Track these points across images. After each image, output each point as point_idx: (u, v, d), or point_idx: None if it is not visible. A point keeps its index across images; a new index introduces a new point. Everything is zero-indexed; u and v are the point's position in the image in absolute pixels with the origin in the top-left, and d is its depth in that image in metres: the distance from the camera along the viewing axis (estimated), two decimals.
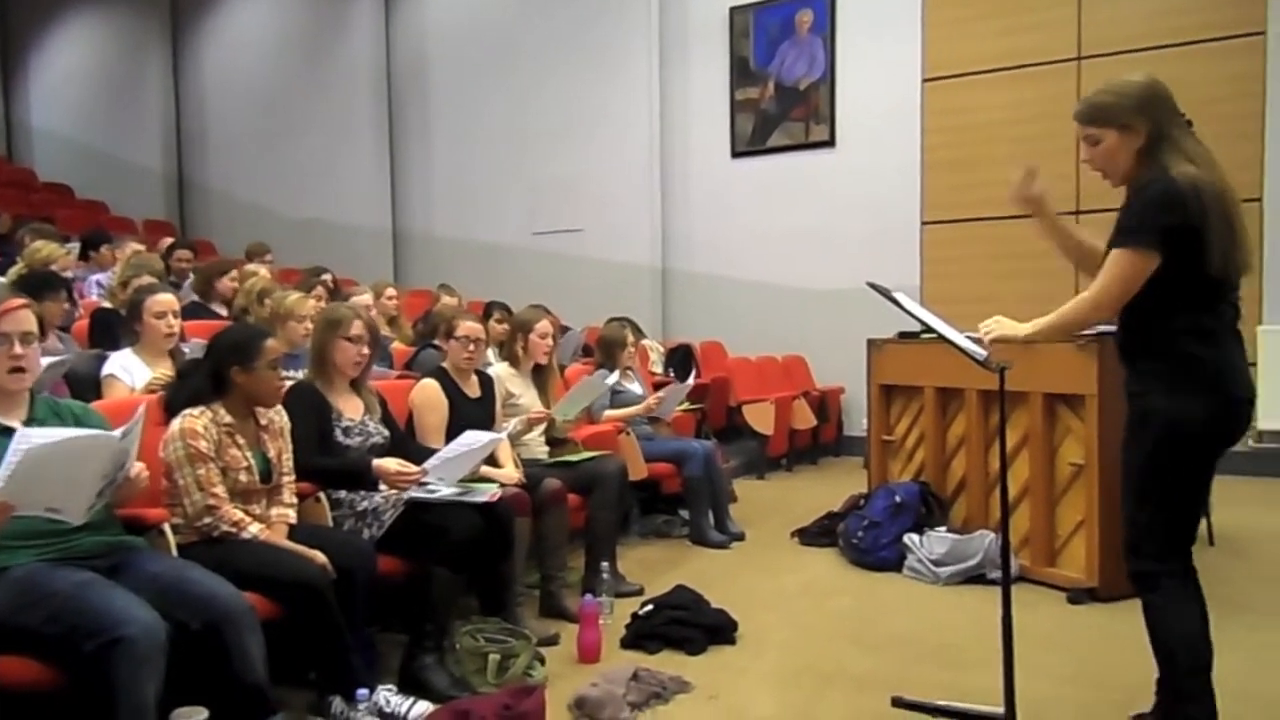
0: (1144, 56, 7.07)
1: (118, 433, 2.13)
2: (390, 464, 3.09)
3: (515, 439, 4.05)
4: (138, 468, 2.27)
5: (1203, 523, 4.65)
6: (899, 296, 2.64)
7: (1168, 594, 2.35)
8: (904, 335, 5.04)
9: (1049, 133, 6.92)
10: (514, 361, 4.34)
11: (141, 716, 2.01)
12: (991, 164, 7.72)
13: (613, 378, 4.86)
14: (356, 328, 3.26)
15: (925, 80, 8.18)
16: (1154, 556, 2.36)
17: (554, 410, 4.27)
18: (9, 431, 2.23)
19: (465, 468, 3.29)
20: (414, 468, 3.11)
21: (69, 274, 5.37)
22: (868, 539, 4.55)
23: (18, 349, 2.25)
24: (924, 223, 8.24)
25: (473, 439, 3.24)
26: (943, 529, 4.45)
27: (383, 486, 3.12)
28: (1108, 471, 3.78)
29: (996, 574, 4.07)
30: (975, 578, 4.20)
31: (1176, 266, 2.25)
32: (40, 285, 4.04)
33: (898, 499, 4.61)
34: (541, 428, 4.28)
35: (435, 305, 6.27)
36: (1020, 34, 7.75)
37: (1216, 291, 2.30)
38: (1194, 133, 2.35)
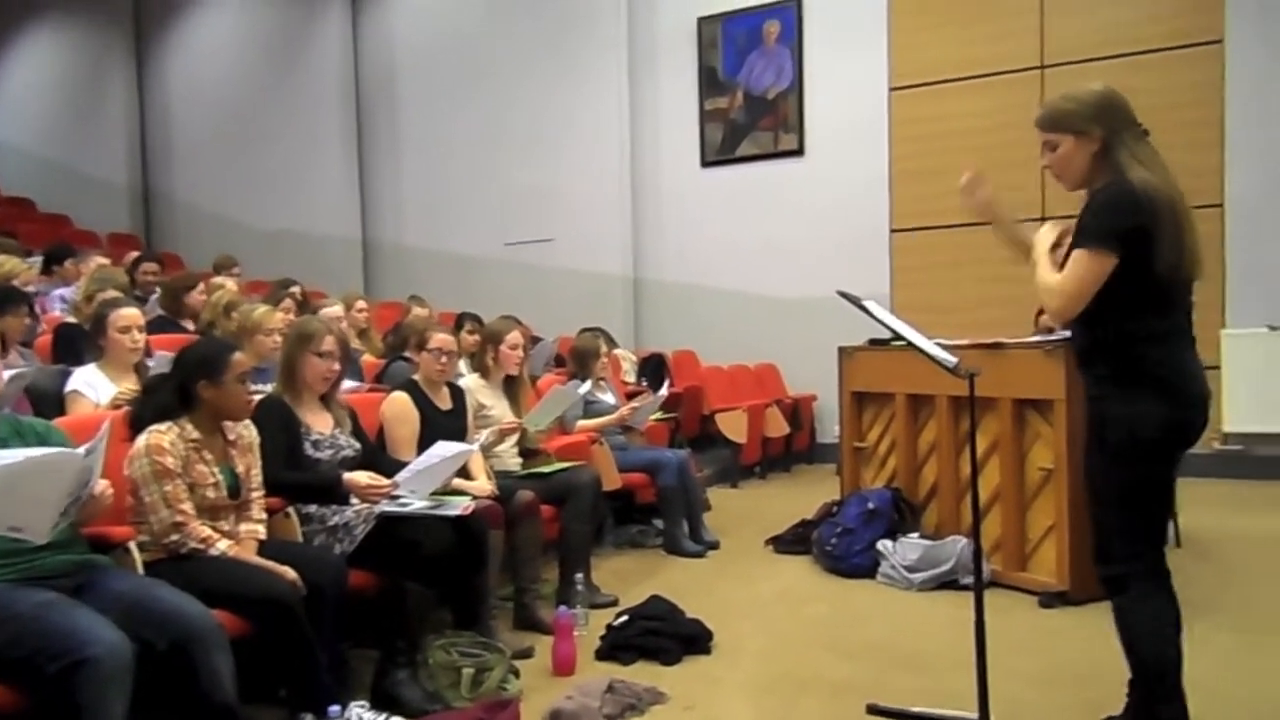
0: (1106, 65, 7.18)
1: (81, 450, 2.10)
2: (361, 477, 3.06)
3: (488, 450, 4.02)
4: (102, 485, 2.24)
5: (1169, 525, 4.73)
6: (869, 304, 2.66)
7: (1136, 596, 2.37)
8: (874, 342, 5.07)
9: (1014, 141, 6.97)
10: (485, 373, 4.32)
11: None
12: (958, 172, 7.67)
13: (585, 387, 4.86)
14: (328, 343, 3.23)
15: (892, 89, 8.26)
16: (1121, 559, 2.38)
17: (525, 420, 4.25)
18: None
19: (437, 480, 3.27)
20: (385, 480, 3.08)
21: (31, 289, 5.29)
22: (841, 546, 4.57)
23: None
24: (893, 230, 8.31)
25: (444, 450, 3.22)
26: (915, 535, 4.47)
27: (354, 500, 3.09)
28: (1077, 476, 3.80)
29: (969, 579, 4.07)
30: (948, 583, 4.23)
31: (1129, 268, 2.29)
32: (1, 301, 3.97)
33: (870, 506, 4.62)
34: (514, 439, 4.26)
35: (406, 317, 6.23)
36: (984, 43, 7.85)
37: (1167, 295, 2.34)
38: (1149, 140, 2.40)
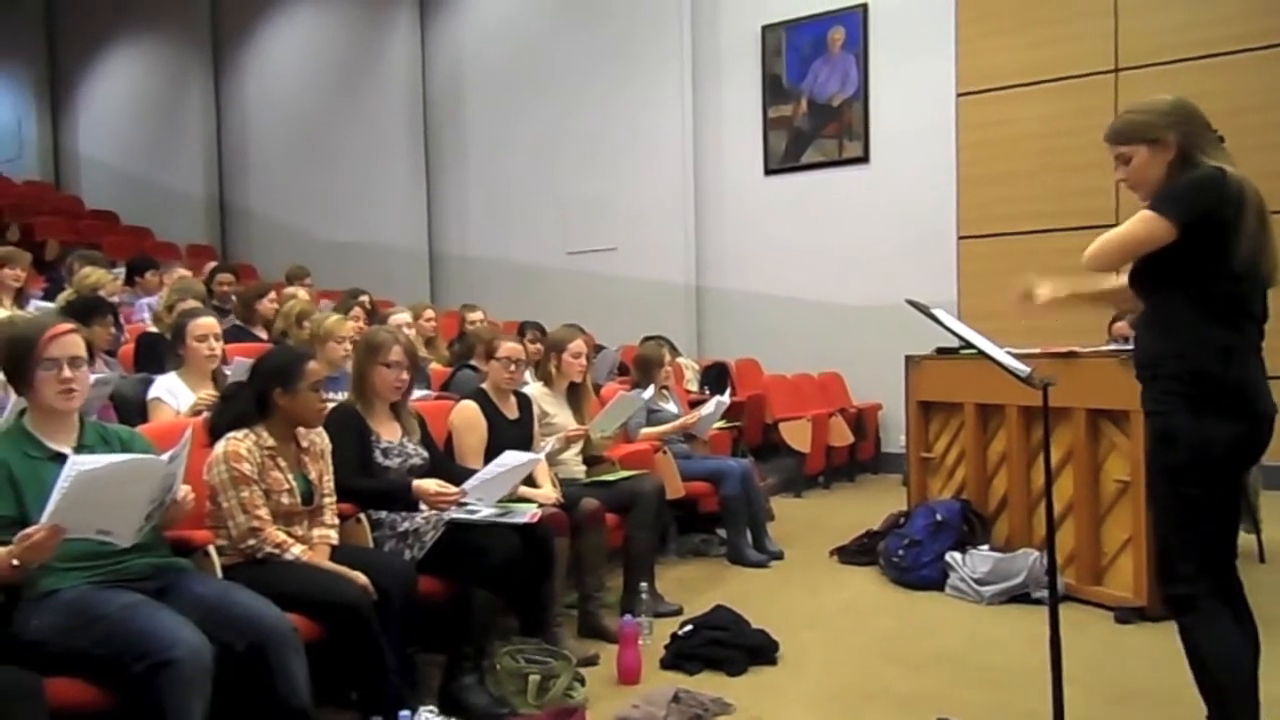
0: (1180, 68, 6.99)
1: (165, 456, 2.17)
2: (430, 484, 3.11)
3: (553, 458, 4.06)
4: (184, 490, 2.30)
5: (1252, 539, 4.57)
6: (938, 313, 2.62)
7: (1204, 616, 2.29)
8: (942, 351, 4.99)
9: (1085, 145, 6.82)
10: (548, 381, 4.36)
11: None
12: (1027, 178, 7.65)
13: (648, 393, 4.87)
14: (395, 353, 3.28)
15: (959, 95, 8.13)
16: (1186, 579, 2.31)
17: (591, 426, 4.28)
18: (60, 458, 2.28)
19: (504, 488, 3.31)
20: (453, 488, 3.13)
21: (115, 299, 5.49)
22: (909, 557, 4.50)
23: (66, 372, 2.28)
24: (960, 237, 8.17)
25: (511, 459, 3.26)
26: (985, 547, 4.39)
27: (423, 507, 3.15)
28: None
29: (1041, 593, 4.01)
30: (1020, 597, 4.14)
31: (1205, 266, 2.23)
32: (88, 310, 4.12)
33: (939, 517, 4.55)
34: (579, 446, 4.29)
35: (463, 324, 6.32)
36: (1055, 46, 7.69)
37: (1242, 305, 2.28)
38: (1224, 147, 2.34)
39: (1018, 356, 2.60)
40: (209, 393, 3.53)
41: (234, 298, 6.02)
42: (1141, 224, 2.27)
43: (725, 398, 5.53)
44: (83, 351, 2.35)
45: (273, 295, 5.53)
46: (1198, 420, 2.25)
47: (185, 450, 2.22)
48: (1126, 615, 3.85)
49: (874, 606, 4.22)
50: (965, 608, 4.15)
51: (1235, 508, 2.40)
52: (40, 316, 3.70)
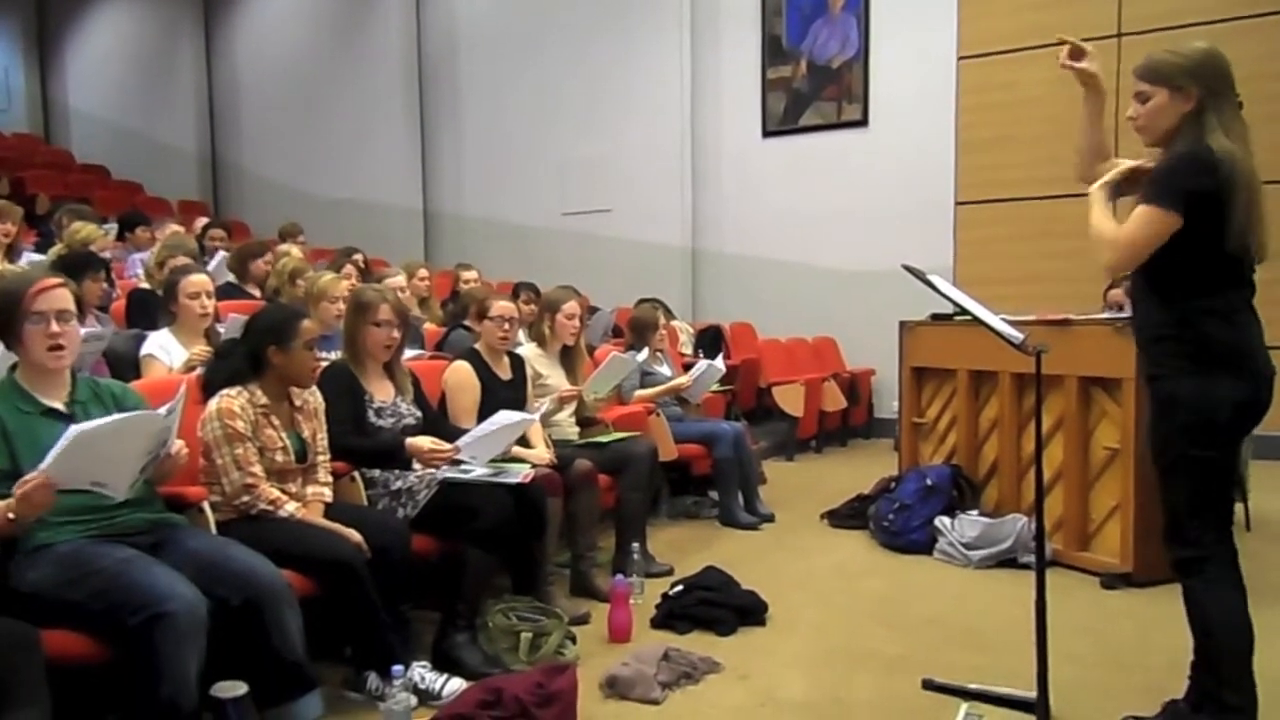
0: (1185, 33, 6.91)
1: (162, 410, 2.17)
2: (424, 442, 3.11)
3: (547, 419, 4.07)
4: (179, 445, 2.31)
5: (1239, 507, 4.61)
6: (934, 279, 2.62)
7: (1210, 578, 2.33)
8: (936, 317, 5.00)
9: None
10: (541, 342, 4.35)
11: (183, 690, 2.05)
12: (1027, 143, 7.60)
13: (642, 356, 4.87)
14: (384, 311, 3.27)
15: (960, 58, 8.06)
16: (1194, 542, 2.34)
17: (584, 388, 4.28)
18: (54, 413, 2.28)
19: (498, 447, 3.32)
20: (447, 445, 3.13)
21: (107, 254, 5.45)
22: (898, 521, 4.54)
23: (54, 327, 2.26)
24: (958, 203, 8.14)
25: (505, 418, 3.26)
26: (974, 512, 4.42)
27: (416, 466, 3.15)
28: (1144, 456, 3.72)
29: (1029, 558, 4.05)
30: (1007, 561, 4.18)
31: (1199, 240, 2.24)
32: (79, 265, 4.09)
33: (929, 482, 4.59)
34: (572, 407, 4.30)
35: (457, 284, 6.29)
36: (1057, 9, 7.59)
37: (1237, 271, 2.30)
38: (1241, 114, 2.33)
39: (1011, 323, 2.60)
40: (203, 348, 3.52)
41: (222, 253, 5.96)
42: (1149, 223, 2.27)
43: (719, 362, 5.52)
44: (71, 306, 2.33)
45: (269, 256, 5.48)
46: (1201, 382, 2.28)
47: (180, 405, 2.22)
48: (1112, 581, 3.90)
49: (863, 569, 4.26)
50: (953, 572, 4.19)
51: (1234, 471, 2.43)
52: (28, 271, 3.68)
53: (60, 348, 2.28)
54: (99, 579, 2.11)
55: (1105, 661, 3.09)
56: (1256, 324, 2.34)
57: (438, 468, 3.11)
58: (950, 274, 7.80)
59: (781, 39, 8.90)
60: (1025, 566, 4.06)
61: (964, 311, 2.62)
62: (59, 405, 2.31)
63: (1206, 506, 2.35)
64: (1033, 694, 2.50)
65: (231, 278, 5.36)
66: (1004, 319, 2.62)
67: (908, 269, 2.67)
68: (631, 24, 9.55)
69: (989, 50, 7.94)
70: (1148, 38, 7.11)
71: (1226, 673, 2.30)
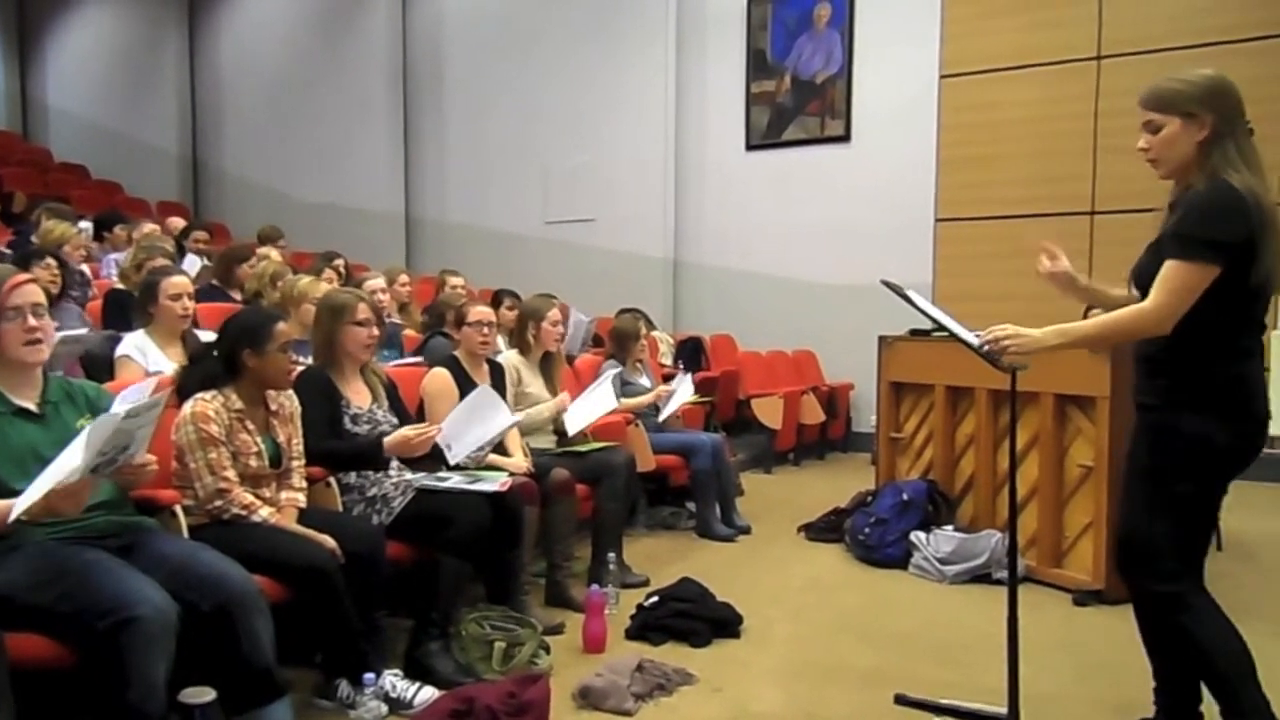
0: (1166, 57, 6.99)
1: (121, 410, 2.07)
2: (406, 431, 3.08)
3: (542, 425, 4.09)
4: (147, 458, 2.23)
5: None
6: (912, 294, 2.63)
7: (1197, 610, 2.27)
8: (915, 333, 5.03)
9: (1067, 131, 6.88)
10: (524, 349, 4.35)
11: (151, 695, 2.02)
12: (1008, 162, 7.66)
13: (615, 371, 4.87)
14: (362, 310, 3.25)
15: (943, 76, 8.10)
16: (1173, 576, 2.29)
17: (568, 421, 4.24)
18: (25, 413, 2.25)
19: (478, 433, 3.32)
20: (431, 427, 3.11)
21: (82, 253, 5.40)
22: (874, 536, 4.55)
23: (31, 320, 2.25)
24: (938, 219, 8.18)
25: (485, 398, 3.25)
26: (949, 528, 4.44)
27: (393, 471, 3.14)
28: (1118, 474, 3.75)
29: (1002, 574, 4.05)
30: (981, 577, 4.20)
31: (1221, 280, 2.16)
32: (25, 257, 4.07)
33: (905, 496, 4.60)
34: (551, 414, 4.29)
35: (441, 290, 6.24)
36: (1040, 31, 7.66)
37: (1251, 310, 2.24)
38: (1253, 141, 2.27)
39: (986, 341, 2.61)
40: (178, 354, 3.49)
41: (204, 258, 5.92)
42: (1186, 281, 2.15)
43: (687, 379, 5.45)
44: (43, 299, 2.32)
45: (253, 260, 5.42)
46: (1203, 421, 2.22)
47: (154, 413, 2.15)
48: (1084, 598, 3.92)
49: (838, 583, 4.27)
50: (928, 586, 4.21)
51: (1219, 504, 2.37)
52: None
53: (38, 341, 2.27)
54: (66, 582, 2.07)
55: (1076, 678, 3.11)
56: (1261, 365, 2.27)
57: (420, 458, 3.09)
58: (929, 290, 7.83)
59: (766, 53, 8.96)
60: (999, 582, 4.08)
61: (941, 327, 2.64)
62: (30, 405, 2.28)
63: (1188, 543, 2.31)
64: (1004, 710, 2.51)
65: (213, 280, 5.31)
66: (979, 335, 2.63)
67: (887, 284, 2.68)
68: (617, 35, 9.59)
69: (971, 69, 7.99)
70: (1128, 60, 7.19)
71: (1245, 701, 2.23)
